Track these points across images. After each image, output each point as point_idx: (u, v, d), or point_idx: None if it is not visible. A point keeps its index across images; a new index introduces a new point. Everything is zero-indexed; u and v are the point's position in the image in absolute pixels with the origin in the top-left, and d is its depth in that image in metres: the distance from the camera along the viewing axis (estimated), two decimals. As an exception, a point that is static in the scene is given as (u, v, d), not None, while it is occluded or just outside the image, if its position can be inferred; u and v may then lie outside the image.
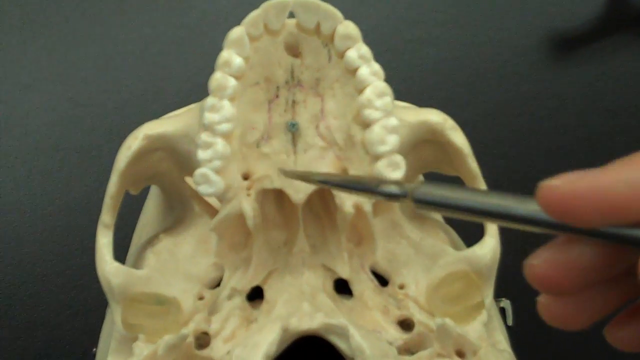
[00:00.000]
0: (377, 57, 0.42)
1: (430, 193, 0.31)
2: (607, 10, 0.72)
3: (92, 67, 0.71)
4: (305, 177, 0.41)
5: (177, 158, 0.45)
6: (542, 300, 0.30)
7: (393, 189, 0.34)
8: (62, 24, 0.73)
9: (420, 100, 0.51)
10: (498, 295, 0.47)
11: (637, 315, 0.31)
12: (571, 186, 0.27)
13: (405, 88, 0.68)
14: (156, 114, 0.51)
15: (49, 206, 0.65)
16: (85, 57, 0.71)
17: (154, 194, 0.54)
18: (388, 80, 0.42)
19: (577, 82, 0.70)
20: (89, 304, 0.61)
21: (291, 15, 0.42)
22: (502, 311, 0.54)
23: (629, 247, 0.27)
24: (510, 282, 0.48)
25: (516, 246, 0.48)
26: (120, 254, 0.49)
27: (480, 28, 0.72)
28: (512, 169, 0.66)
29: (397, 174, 0.42)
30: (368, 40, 0.42)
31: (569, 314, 0.30)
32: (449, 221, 0.51)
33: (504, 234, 0.45)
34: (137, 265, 0.46)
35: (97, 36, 0.72)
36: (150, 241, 0.47)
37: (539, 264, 0.29)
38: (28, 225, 0.64)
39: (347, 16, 0.42)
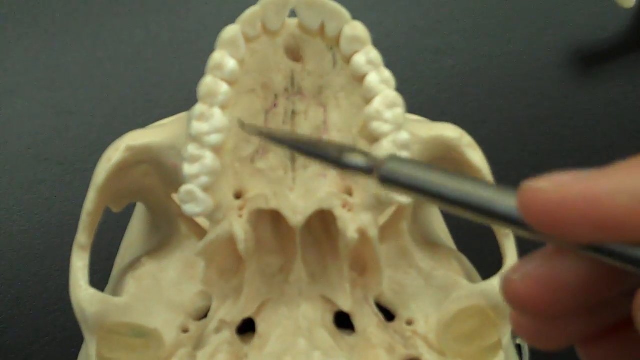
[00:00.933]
0: (389, 67, 0.40)
1: (400, 171, 0.27)
2: (635, 23, 0.71)
3: (79, 71, 0.69)
4: (264, 133, 0.36)
5: (163, 173, 0.43)
6: (516, 316, 0.27)
7: (357, 160, 0.28)
8: (47, 25, 0.72)
9: (434, 115, 0.50)
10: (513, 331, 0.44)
11: (616, 333, 0.27)
12: (560, 191, 0.23)
13: (419, 101, 0.67)
14: (147, 125, 0.49)
15: (27, 222, 0.63)
16: (72, 61, 0.70)
17: (140, 212, 0.52)
18: (400, 92, 0.40)
19: (603, 99, 0.68)
20: (67, 331, 0.59)
21: (292, 14, 0.40)
22: (518, 348, 0.52)
23: (626, 268, 0.23)
24: None
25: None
26: (103, 277, 0.47)
27: (500, 39, 0.71)
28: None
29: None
30: (379, 49, 0.40)
31: (546, 335, 0.27)
32: (462, 249, 0.49)
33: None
34: (116, 291, 0.44)
35: (86, 38, 0.71)
36: (132, 265, 0.45)
37: (518, 279, 0.25)
38: (3, 242, 0.62)
39: (357, 23, 0.41)
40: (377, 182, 0.28)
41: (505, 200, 0.24)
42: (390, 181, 0.27)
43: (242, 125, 0.37)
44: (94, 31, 0.70)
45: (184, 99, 0.65)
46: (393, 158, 0.27)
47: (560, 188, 0.23)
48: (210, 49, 0.39)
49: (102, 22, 0.71)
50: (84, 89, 0.68)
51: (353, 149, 0.29)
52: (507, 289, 0.25)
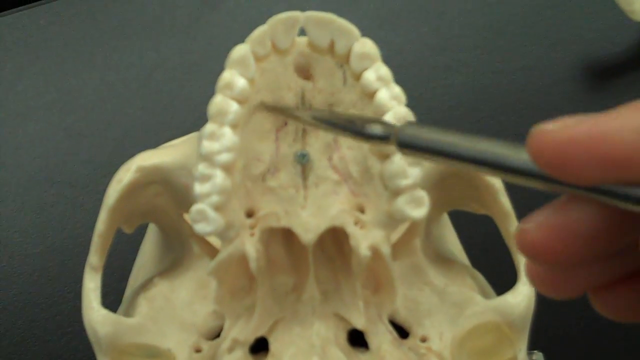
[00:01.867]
0: (400, 85, 0.40)
1: (417, 135, 0.28)
2: (647, 37, 0.71)
3: (90, 94, 0.69)
4: (284, 111, 0.39)
5: (174, 193, 0.43)
6: (530, 265, 0.27)
7: (376, 129, 0.31)
8: (59, 48, 0.72)
9: (446, 132, 0.48)
10: (530, 346, 0.44)
11: (630, 281, 0.27)
12: (567, 131, 0.23)
13: (430, 118, 0.66)
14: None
15: (40, 244, 0.63)
16: (84, 84, 0.70)
17: (152, 232, 0.52)
18: (411, 109, 0.39)
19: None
20: (80, 353, 0.59)
21: (302, 32, 0.40)
22: None
23: (634, 209, 0.24)
24: (542, 331, 0.46)
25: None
26: (117, 299, 0.47)
27: (510, 55, 0.70)
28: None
29: (420, 211, 0.39)
30: (390, 66, 0.39)
31: (560, 283, 0.27)
32: (476, 265, 0.48)
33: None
34: (129, 312, 0.44)
35: (97, 61, 0.71)
36: (144, 286, 0.44)
37: (532, 228, 0.25)
38: (16, 265, 0.62)
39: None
40: (396, 148, 0.29)
41: (518, 154, 0.25)
42: (407, 146, 0.29)
43: (263, 105, 0.39)
44: (105, 55, 0.70)
45: (194, 120, 0.65)
46: (409, 124, 0.29)
47: (567, 128, 0.23)
48: (220, 71, 0.39)
49: (113, 45, 0.71)
50: (95, 111, 0.68)
51: (372, 120, 0.31)
52: (522, 239, 0.25)
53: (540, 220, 0.25)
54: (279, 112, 0.39)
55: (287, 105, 0.40)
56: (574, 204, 0.25)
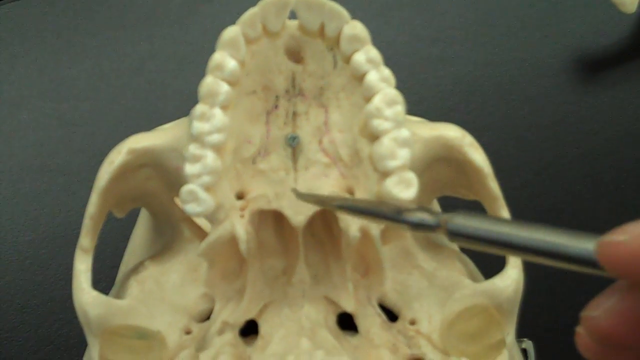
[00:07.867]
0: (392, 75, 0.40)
1: (467, 224, 0.29)
2: (638, 29, 0.70)
3: (84, 83, 0.69)
4: (322, 201, 0.38)
5: (166, 176, 0.42)
6: (587, 342, 0.27)
7: (425, 217, 0.31)
8: (53, 38, 0.72)
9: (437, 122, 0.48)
10: (519, 335, 0.44)
11: None
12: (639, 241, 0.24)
13: (421, 109, 0.66)
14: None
15: (32, 232, 0.63)
16: (77, 73, 0.70)
17: (143, 217, 0.52)
18: (403, 99, 0.39)
19: (606, 105, 0.67)
20: (72, 340, 0.59)
21: (293, 16, 0.40)
22: (524, 353, 0.51)
23: None
24: (533, 320, 0.47)
25: (539, 280, 0.45)
26: (108, 285, 0.47)
27: (503, 47, 0.70)
28: (537, 198, 0.64)
29: (409, 192, 0.39)
30: (383, 57, 0.39)
31: (613, 356, 0.28)
32: (465, 250, 0.47)
33: (527, 265, 0.42)
34: (120, 295, 0.44)
35: (91, 51, 0.71)
36: (135, 269, 0.44)
37: (600, 315, 0.26)
38: (9, 252, 0.62)
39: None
40: (446, 236, 0.29)
41: (576, 244, 0.26)
42: (459, 235, 0.29)
43: (297, 194, 0.39)
44: (98, 44, 0.70)
45: (187, 110, 0.65)
46: (459, 213, 0.29)
47: (638, 238, 0.24)
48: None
49: (107, 35, 0.71)
50: (88, 100, 0.68)
51: (415, 208, 0.32)
52: (590, 325, 0.26)
53: (608, 307, 0.26)
54: (311, 201, 0.39)
55: (319, 195, 0.39)
56: (638, 288, 0.26)
